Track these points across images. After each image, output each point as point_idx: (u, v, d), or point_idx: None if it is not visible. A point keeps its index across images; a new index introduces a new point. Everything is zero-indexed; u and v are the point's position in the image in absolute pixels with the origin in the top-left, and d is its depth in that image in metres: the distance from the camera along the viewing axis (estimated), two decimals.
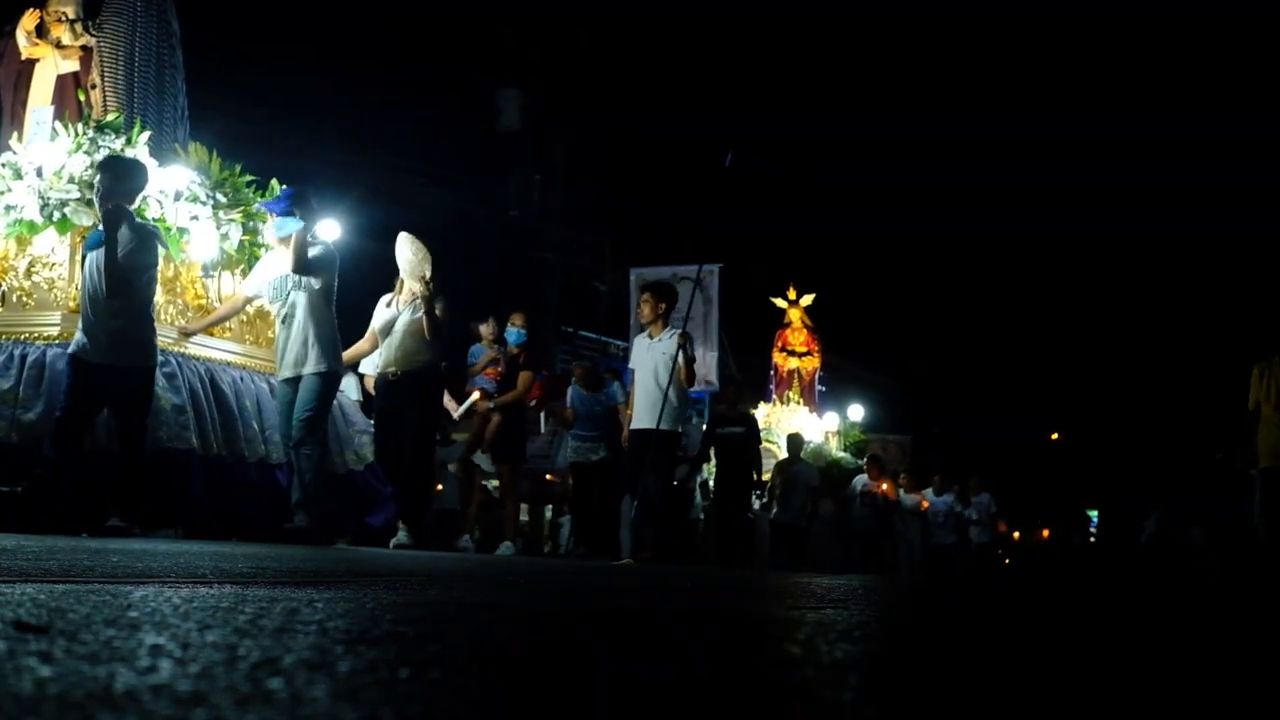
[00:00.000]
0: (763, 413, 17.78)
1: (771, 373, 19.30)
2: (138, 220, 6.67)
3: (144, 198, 7.28)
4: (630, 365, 8.92)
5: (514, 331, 10.16)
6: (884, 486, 16.43)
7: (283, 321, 7.40)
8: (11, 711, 1.01)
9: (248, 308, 8.07)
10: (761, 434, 13.51)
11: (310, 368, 7.24)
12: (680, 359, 8.31)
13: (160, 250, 6.91)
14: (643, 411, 8.44)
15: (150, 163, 7.57)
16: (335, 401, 7.94)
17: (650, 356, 8.47)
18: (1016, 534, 27.52)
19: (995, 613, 4.07)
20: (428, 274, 8.09)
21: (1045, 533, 31.31)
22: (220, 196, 8.04)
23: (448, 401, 9.90)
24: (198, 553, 4.74)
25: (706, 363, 14.96)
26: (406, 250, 8.22)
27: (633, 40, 25.51)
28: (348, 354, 8.37)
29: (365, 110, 21.19)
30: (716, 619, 2.82)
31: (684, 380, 8.42)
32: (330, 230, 8.66)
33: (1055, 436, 39.48)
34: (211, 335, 7.97)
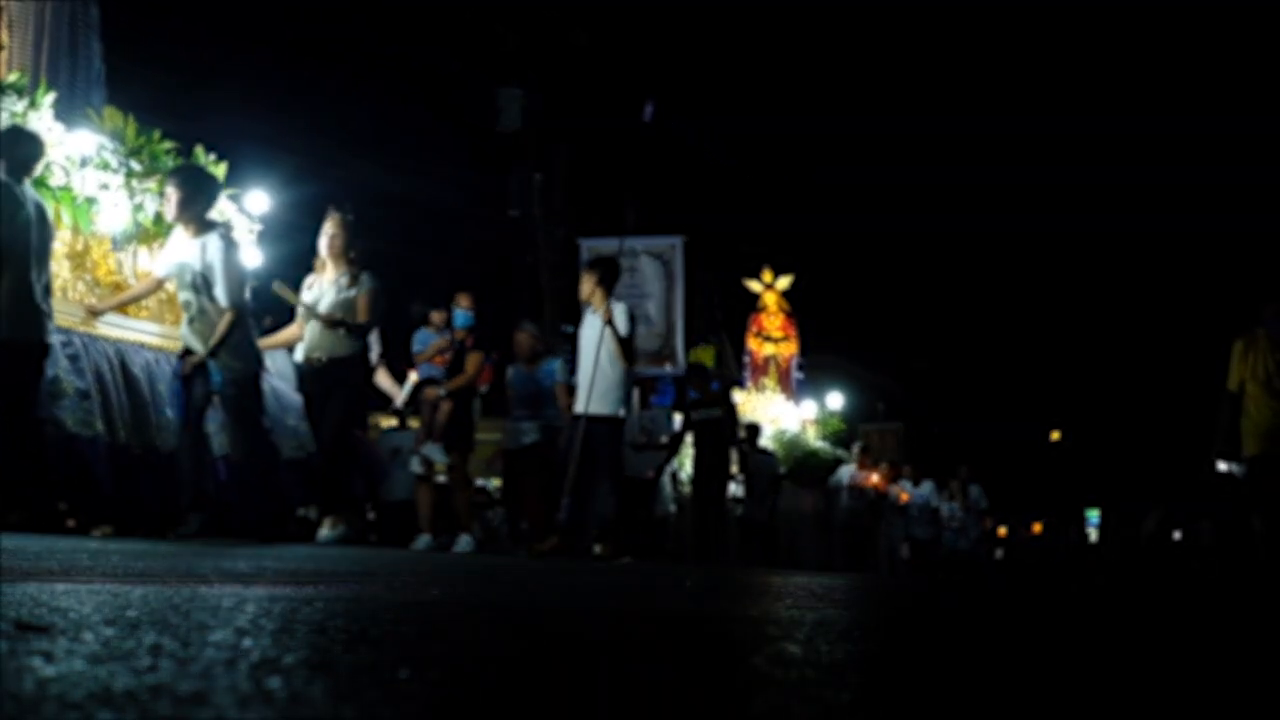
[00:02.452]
0: (736, 400, 16.74)
1: (746, 359, 18.67)
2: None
3: (47, 164, 6.82)
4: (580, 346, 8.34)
5: (460, 314, 9.39)
6: (874, 479, 15.88)
7: (189, 321, 6.87)
8: (12, 711, 1.01)
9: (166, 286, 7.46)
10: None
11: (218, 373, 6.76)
12: (608, 333, 7.88)
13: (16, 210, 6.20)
14: (581, 393, 8.02)
15: (57, 127, 7.12)
16: (269, 389, 7.59)
17: (588, 333, 8.06)
18: (1003, 530, 27.00)
19: (994, 612, 4.07)
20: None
21: (1037, 527, 31.09)
22: (135, 164, 7.48)
23: (390, 387, 9.50)
24: (198, 553, 4.75)
25: (672, 343, 14.11)
26: (327, 226, 7.75)
27: (632, 39, 25.51)
28: (280, 338, 8.02)
29: (362, 109, 21.21)
30: (715, 619, 2.82)
31: (617, 357, 7.95)
32: (259, 202, 8.14)
33: (1056, 436, 39.47)
34: (126, 314, 7.37)
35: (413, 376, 9.36)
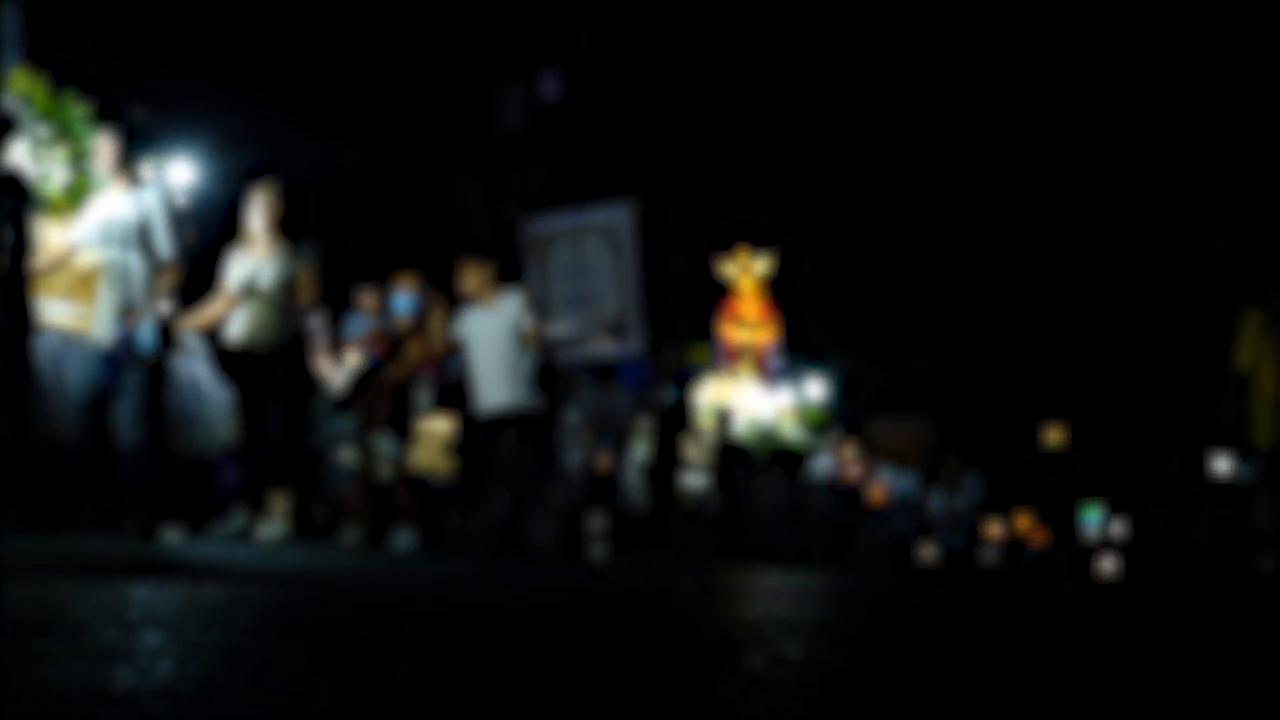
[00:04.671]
0: (710, 390, 15.62)
1: (720, 346, 18.15)
2: None
3: None
4: (461, 340, 7.85)
5: (403, 299, 8.37)
6: (853, 470, 15.29)
7: (109, 283, 6.33)
8: (12, 711, 1.01)
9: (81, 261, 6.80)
10: (695, 408, 12.41)
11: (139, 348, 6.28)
12: (527, 320, 7.59)
13: None
14: (490, 390, 7.66)
15: None
16: (184, 375, 7.15)
17: (485, 330, 7.64)
18: (996, 529, 26.25)
19: (993, 615, 4.07)
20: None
21: (1025, 523, 30.70)
22: (42, 131, 6.89)
23: (328, 370, 8.76)
24: (198, 553, 4.75)
25: (627, 324, 13.39)
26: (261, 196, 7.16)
27: (633, 38, 25.52)
28: (204, 319, 7.14)
29: (359, 107, 21.14)
30: (717, 620, 2.82)
31: (532, 344, 7.62)
32: (182, 173, 7.73)
33: (1057, 436, 39.43)
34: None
35: (353, 361, 8.59)
